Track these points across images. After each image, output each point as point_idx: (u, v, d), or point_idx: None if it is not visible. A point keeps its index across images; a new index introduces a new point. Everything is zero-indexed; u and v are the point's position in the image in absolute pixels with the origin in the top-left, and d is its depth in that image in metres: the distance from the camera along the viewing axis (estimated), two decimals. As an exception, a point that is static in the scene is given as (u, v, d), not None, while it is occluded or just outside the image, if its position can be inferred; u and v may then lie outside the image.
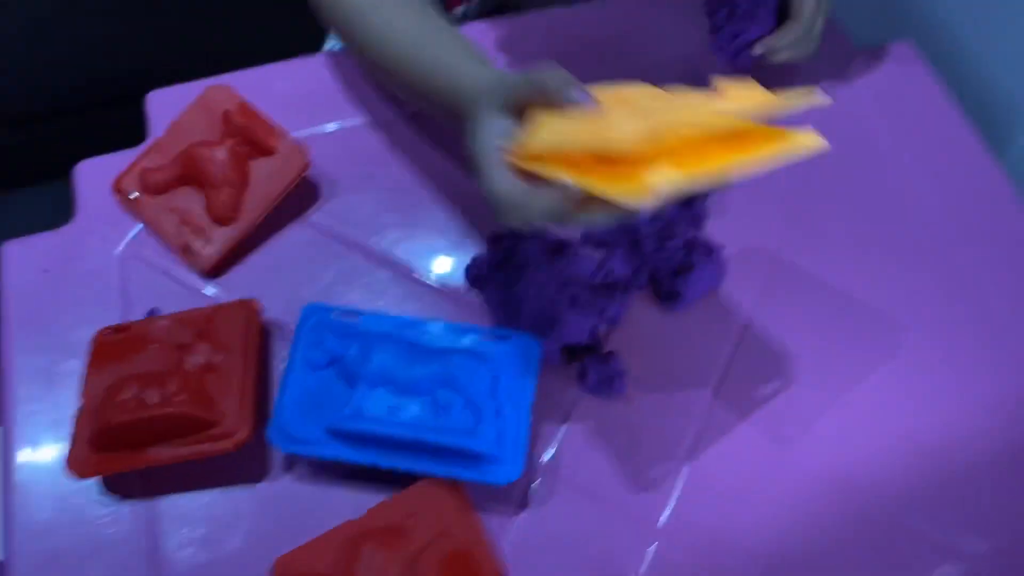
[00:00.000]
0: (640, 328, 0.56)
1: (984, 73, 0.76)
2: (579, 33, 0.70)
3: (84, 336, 0.54)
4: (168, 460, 0.48)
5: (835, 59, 0.69)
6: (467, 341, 0.51)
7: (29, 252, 0.58)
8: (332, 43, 0.78)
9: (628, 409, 0.53)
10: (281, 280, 0.57)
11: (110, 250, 0.58)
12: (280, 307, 0.56)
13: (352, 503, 0.49)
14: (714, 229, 0.60)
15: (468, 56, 0.51)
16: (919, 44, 0.71)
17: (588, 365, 0.53)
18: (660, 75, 0.65)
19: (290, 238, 0.59)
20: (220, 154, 0.57)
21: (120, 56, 1.22)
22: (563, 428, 0.53)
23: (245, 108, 0.59)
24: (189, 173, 0.58)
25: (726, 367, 0.55)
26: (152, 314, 0.55)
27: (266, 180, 0.58)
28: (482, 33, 0.68)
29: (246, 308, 0.53)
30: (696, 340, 0.56)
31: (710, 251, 0.56)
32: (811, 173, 0.63)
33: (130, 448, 0.48)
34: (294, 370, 0.50)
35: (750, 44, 0.61)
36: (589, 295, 0.53)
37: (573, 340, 0.52)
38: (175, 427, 0.48)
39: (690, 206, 0.59)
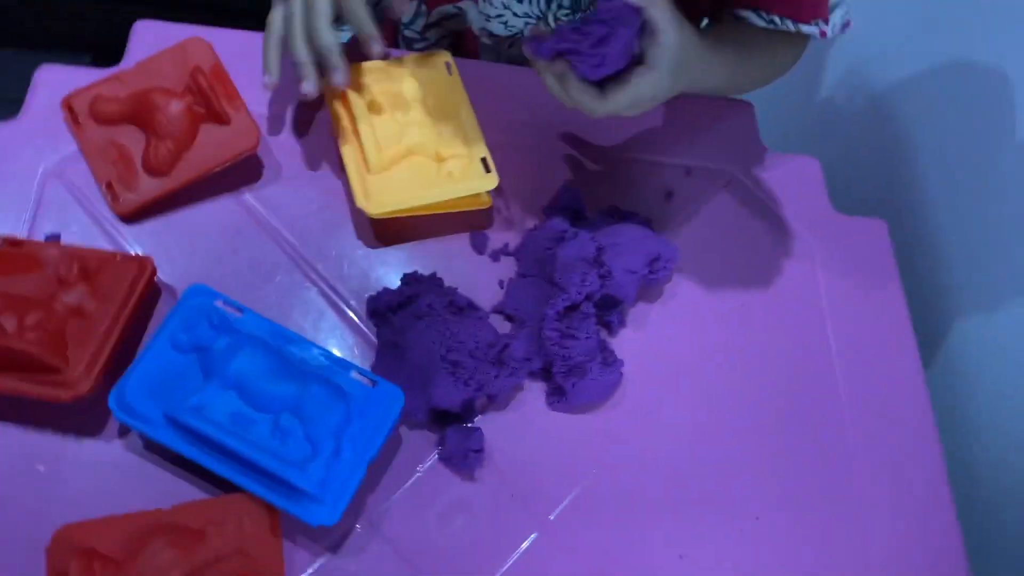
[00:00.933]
0: (518, 413, 0.56)
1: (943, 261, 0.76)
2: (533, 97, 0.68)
3: (-22, 237, 0.53)
4: (3, 390, 0.47)
5: (810, 221, 0.68)
6: (335, 374, 0.50)
7: (-41, 137, 0.57)
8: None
9: (474, 489, 0.52)
10: (193, 249, 0.57)
11: (38, 162, 0.57)
12: (182, 274, 0.55)
13: (168, 491, 0.48)
14: (625, 339, 0.59)
15: None
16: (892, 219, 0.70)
17: (449, 433, 0.52)
18: (613, 158, 0.65)
19: (218, 210, 0.58)
20: (174, 107, 0.57)
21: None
22: (404, 488, 0.52)
23: (217, 69, 0.59)
24: (139, 114, 0.57)
25: (584, 486, 0.54)
26: (50, 239, 0.55)
27: (210, 147, 0.57)
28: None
29: (139, 265, 0.52)
30: (565, 446, 0.55)
31: (609, 363, 0.55)
32: (741, 325, 0.63)
33: (-32, 366, 0.47)
34: (156, 345, 0.49)
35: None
36: (472, 365, 0.52)
37: (443, 405, 0.52)
38: (19, 361, 0.47)
39: (608, 311, 0.58)
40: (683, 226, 0.65)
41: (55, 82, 0.60)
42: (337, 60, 0.55)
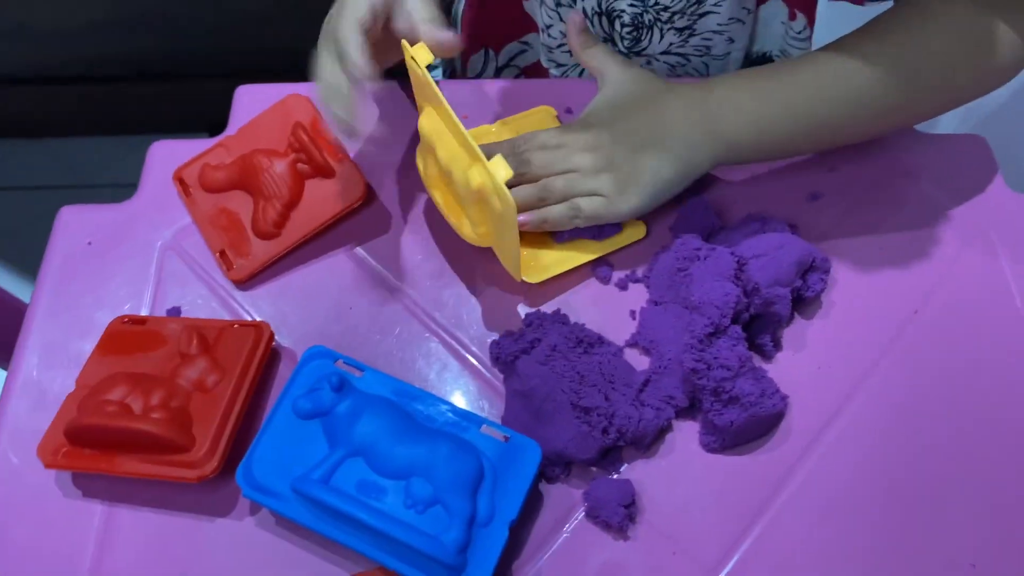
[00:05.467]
0: (669, 459, 0.49)
1: None
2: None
3: (105, 318, 0.53)
4: (132, 473, 0.46)
5: (986, 205, 0.59)
6: (464, 430, 0.46)
7: (81, 221, 0.58)
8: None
9: (629, 549, 0.46)
10: (309, 309, 0.55)
11: (156, 238, 0.57)
12: (300, 336, 0.53)
13: (303, 569, 0.46)
14: (784, 364, 0.52)
15: None
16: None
17: (593, 488, 0.47)
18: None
19: (331, 267, 0.56)
20: (279, 167, 0.55)
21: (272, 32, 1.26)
22: (551, 551, 0.46)
23: (317, 123, 0.57)
24: (245, 178, 0.56)
25: (757, 535, 0.47)
26: (172, 313, 0.54)
27: (318, 203, 0.55)
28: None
29: (256, 331, 0.50)
30: (728, 492, 0.48)
31: (768, 393, 0.48)
32: (919, 336, 0.54)
33: (99, 449, 0.46)
34: (278, 414, 0.47)
35: None
36: (609, 410, 0.47)
37: (579, 458, 0.46)
38: (146, 442, 0.45)
39: (760, 333, 0.51)
40: (835, 229, 0.57)
41: (168, 157, 0.60)
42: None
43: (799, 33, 0.65)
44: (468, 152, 0.47)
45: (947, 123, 0.82)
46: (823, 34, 0.62)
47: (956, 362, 0.52)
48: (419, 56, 0.48)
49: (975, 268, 0.56)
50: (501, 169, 0.44)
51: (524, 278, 0.53)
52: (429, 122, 0.50)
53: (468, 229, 0.52)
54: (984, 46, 0.48)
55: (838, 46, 0.52)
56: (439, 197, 0.53)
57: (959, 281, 0.55)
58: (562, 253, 0.54)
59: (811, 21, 0.63)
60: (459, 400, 0.51)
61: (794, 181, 0.59)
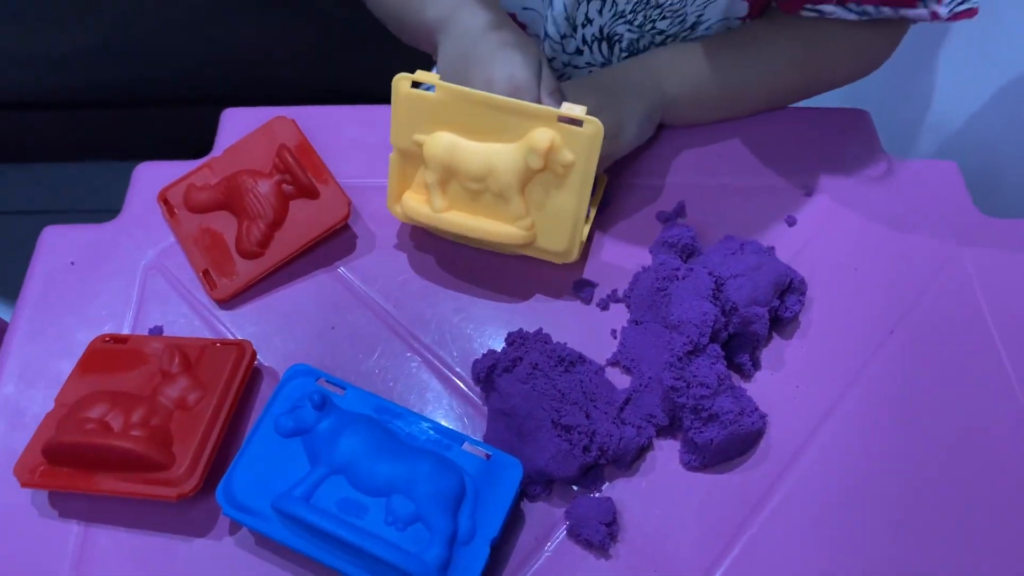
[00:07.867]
0: (650, 477, 0.50)
1: None
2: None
3: (86, 338, 0.53)
4: (110, 491, 0.46)
5: (956, 229, 0.60)
6: (446, 447, 0.46)
7: (64, 240, 0.58)
8: None
9: (610, 568, 0.46)
10: (292, 328, 0.55)
11: (139, 257, 0.58)
12: (283, 355, 0.54)
13: (283, 589, 0.45)
14: (762, 384, 0.53)
15: None
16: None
17: (574, 506, 0.47)
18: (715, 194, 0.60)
19: (314, 286, 0.57)
20: (263, 187, 0.56)
21: (267, 63, 1.27)
22: (532, 569, 0.46)
23: (302, 145, 0.58)
24: (230, 198, 0.57)
25: (737, 554, 0.47)
26: (154, 332, 0.54)
27: (301, 223, 0.56)
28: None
29: (238, 350, 0.50)
30: (708, 510, 0.48)
31: (747, 412, 0.49)
32: (894, 357, 0.55)
33: (77, 467, 0.46)
34: (260, 431, 0.47)
35: None
36: (589, 428, 0.47)
37: (558, 476, 0.47)
38: (125, 460, 0.45)
39: (738, 352, 0.52)
40: (811, 252, 0.59)
41: (153, 178, 0.61)
42: None
43: None
44: (524, 118, 0.49)
45: (923, 150, 0.84)
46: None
47: (930, 381, 0.53)
48: (429, 78, 0.49)
49: (948, 290, 0.57)
50: (575, 107, 0.48)
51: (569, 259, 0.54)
52: (440, 144, 0.51)
53: (512, 229, 0.52)
54: (875, 49, 0.61)
55: (751, 33, 0.62)
56: (459, 220, 0.53)
57: (932, 303, 0.57)
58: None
59: None
60: (441, 419, 0.51)
61: (772, 205, 0.61)
